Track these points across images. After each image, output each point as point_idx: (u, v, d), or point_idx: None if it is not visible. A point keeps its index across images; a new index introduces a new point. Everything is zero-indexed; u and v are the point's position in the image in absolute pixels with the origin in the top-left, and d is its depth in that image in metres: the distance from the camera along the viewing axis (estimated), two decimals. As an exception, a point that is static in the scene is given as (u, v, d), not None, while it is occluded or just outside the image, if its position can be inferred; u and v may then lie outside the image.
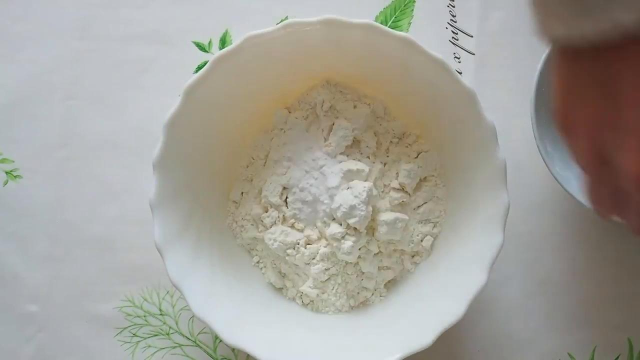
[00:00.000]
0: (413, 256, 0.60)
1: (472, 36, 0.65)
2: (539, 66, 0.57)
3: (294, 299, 0.60)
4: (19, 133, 0.65)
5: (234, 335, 0.54)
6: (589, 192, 0.44)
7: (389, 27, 0.61)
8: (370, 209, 0.56)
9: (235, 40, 0.55)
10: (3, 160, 0.64)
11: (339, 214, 0.56)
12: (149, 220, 0.54)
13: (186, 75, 0.62)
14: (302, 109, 0.61)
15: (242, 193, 0.61)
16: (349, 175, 0.58)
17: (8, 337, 0.62)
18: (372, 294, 0.60)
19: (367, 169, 0.58)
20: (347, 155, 0.59)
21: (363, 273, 0.59)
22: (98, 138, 0.64)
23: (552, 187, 0.60)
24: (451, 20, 0.65)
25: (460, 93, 0.54)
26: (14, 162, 0.64)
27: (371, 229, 0.58)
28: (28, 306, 0.62)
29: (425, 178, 0.60)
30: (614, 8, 0.34)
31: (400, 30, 0.63)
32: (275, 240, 0.59)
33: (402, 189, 0.59)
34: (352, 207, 0.56)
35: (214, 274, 0.57)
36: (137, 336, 0.62)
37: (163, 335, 0.62)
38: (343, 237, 0.57)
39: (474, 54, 0.64)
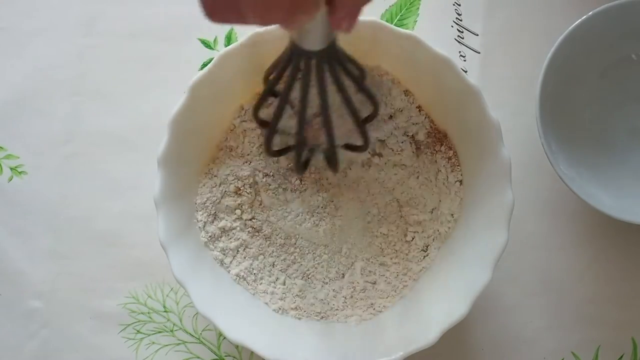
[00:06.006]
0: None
1: (477, 35, 0.64)
2: (544, 65, 0.57)
3: (297, 297, 0.60)
4: (23, 129, 0.65)
5: (238, 332, 0.54)
6: None
7: (394, 25, 0.61)
8: None
9: (241, 38, 0.55)
10: (8, 157, 0.64)
11: None
12: (153, 216, 0.54)
13: (191, 72, 0.62)
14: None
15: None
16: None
17: (12, 332, 0.62)
18: (376, 292, 0.60)
19: None
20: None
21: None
22: (103, 134, 0.64)
23: (557, 186, 0.60)
24: (457, 18, 0.65)
25: (465, 91, 0.54)
26: (18, 158, 0.64)
27: None
28: (32, 302, 0.62)
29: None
30: None
31: (406, 29, 0.64)
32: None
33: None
34: None
35: (218, 271, 0.57)
36: (141, 333, 0.62)
37: (167, 332, 0.62)
38: None
39: (479, 53, 0.64)
